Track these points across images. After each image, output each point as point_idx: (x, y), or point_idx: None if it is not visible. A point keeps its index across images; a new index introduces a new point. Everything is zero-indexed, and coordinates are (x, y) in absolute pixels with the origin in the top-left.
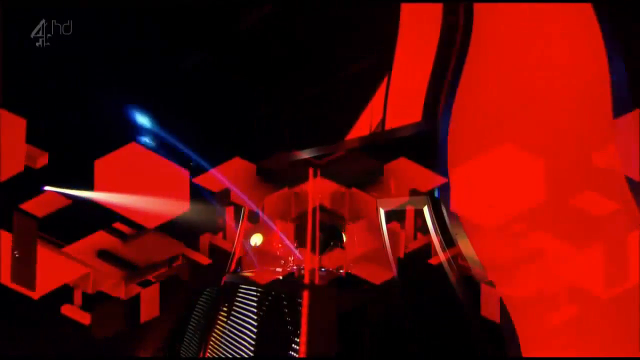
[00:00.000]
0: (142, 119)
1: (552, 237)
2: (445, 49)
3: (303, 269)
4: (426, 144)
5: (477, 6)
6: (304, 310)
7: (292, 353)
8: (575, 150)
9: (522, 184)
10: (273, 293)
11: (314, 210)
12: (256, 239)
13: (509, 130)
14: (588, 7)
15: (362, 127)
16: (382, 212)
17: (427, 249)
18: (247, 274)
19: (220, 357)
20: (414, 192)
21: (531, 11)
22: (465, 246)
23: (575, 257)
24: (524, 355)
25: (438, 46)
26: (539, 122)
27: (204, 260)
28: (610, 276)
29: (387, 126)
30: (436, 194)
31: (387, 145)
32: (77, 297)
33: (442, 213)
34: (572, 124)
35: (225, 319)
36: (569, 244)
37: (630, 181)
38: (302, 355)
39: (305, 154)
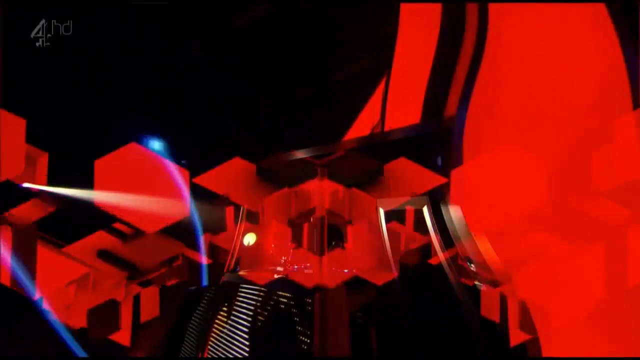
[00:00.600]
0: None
1: (555, 238)
2: (446, 48)
3: (305, 268)
4: (428, 143)
5: (491, 6)
6: (316, 311)
7: (302, 354)
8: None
9: (524, 184)
10: (280, 293)
11: (322, 209)
12: (249, 239)
13: (522, 131)
14: (601, 7)
15: (362, 126)
16: (382, 212)
17: (428, 248)
18: (247, 273)
19: (220, 357)
20: (413, 193)
21: (544, 11)
22: (484, 248)
23: (578, 257)
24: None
25: (437, 45)
26: (553, 122)
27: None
28: (612, 276)
29: (387, 125)
30: None
31: (388, 145)
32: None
33: (441, 213)
34: (589, 123)
35: (225, 319)
36: (573, 244)
37: None
38: (316, 356)
39: (304, 154)
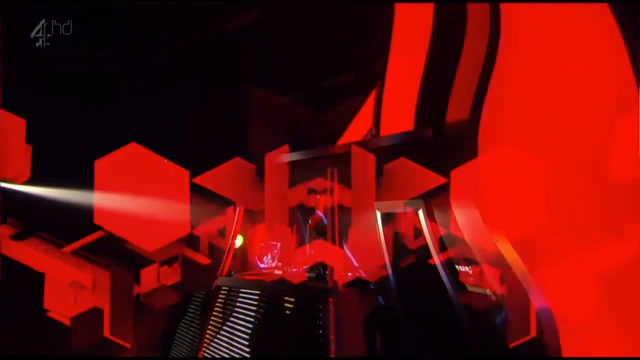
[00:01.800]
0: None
1: (558, 237)
2: (441, 51)
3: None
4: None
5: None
6: (332, 313)
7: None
8: (601, 149)
9: (530, 184)
10: (284, 297)
11: (333, 210)
12: (237, 241)
13: (528, 131)
14: (605, 7)
15: (356, 132)
16: (378, 214)
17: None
18: (242, 277)
19: (220, 357)
20: None
21: (549, 12)
22: (509, 253)
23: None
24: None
25: (430, 48)
26: (557, 122)
27: (204, 260)
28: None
29: (382, 131)
30: None
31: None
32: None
33: (434, 216)
34: (594, 123)
35: (220, 323)
36: (573, 244)
37: None
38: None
39: (305, 154)
